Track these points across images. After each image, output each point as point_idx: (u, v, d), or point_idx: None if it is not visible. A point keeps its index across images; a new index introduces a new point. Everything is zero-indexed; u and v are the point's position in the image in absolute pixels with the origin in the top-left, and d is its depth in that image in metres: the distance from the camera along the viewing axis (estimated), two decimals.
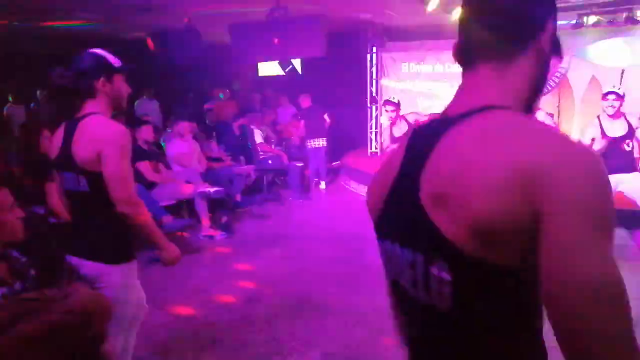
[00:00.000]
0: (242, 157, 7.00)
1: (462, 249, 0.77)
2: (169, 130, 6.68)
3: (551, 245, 0.70)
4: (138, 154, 5.33)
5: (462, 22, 0.99)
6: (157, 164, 5.63)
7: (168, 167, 5.85)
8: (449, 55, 9.45)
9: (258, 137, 7.23)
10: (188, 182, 5.56)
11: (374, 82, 9.94)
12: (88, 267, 2.04)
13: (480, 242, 0.76)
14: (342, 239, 5.35)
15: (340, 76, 9.88)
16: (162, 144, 6.39)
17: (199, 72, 9.04)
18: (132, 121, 6.33)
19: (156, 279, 4.29)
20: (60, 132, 2.07)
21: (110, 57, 2.07)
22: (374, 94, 9.98)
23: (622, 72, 7.48)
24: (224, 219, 5.71)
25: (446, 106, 1.00)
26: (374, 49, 9.81)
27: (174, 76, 8.99)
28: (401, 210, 0.92)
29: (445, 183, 0.81)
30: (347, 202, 7.23)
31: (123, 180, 1.94)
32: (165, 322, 3.48)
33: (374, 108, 10.03)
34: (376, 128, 10.03)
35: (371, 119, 10.05)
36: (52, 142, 2.14)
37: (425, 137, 0.93)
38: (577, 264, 0.68)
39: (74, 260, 2.08)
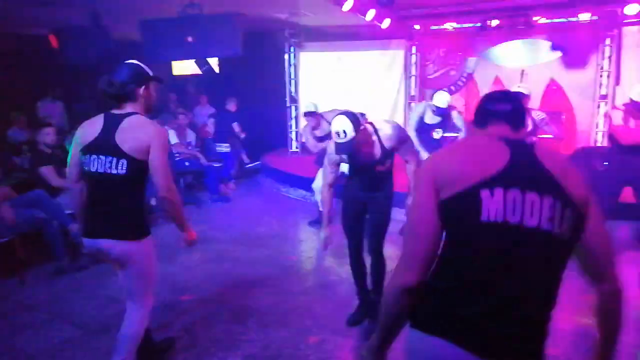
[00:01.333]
0: None
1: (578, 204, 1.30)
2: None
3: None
4: (40, 158, 4.96)
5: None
6: (62, 168, 5.27)
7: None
8: (365, 54, 9.75)
9: (173, 137, 6.99)
10: None
11: (293, 81, 9.98)
12: (119, 247, 2.40)
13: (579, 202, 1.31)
14: (262, 240, 5.31)
15: (259, 75, 9.80)
16: (68, 148, 5.99)
17: (109, 71, 8.59)
18: (34, 123, 5.88)
19: (62, 290, 4.02)
20: (98, 121, 2.41)
21: (146, 68, 2.50)
22: (293, 94, 10.01)
23: (522, 73, 8.05)
24: None
25: None
26: (292, 49, 9.84)
27: (79, 76, 8.47)
28: (530, 170, 1.32)
29: (558, 169, 1.32)
30: (266, 203, 7.19)
31: (166, 170, 2.36)
32: (73, 338, 3.26)
33: (293, 108, 10.05)
34: (296, 127, 10.07)
35: (291, 119, 10.07)
36: (86, 129, 2.43)
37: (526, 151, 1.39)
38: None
39: (103, 243, 2.39)
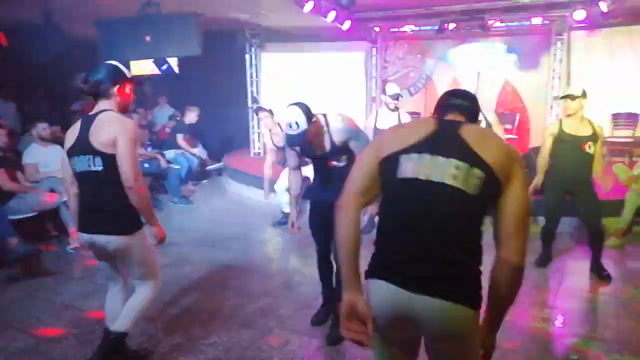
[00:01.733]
0: None
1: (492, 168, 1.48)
2: (28, 135, 6.06)
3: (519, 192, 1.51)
4: None
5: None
6: (15, 172, 5.08)
7: (30, 175, 5.29)
8: (327, 55, 9.79)
9: None
10: (52, 190, 5.08)
11: (255, 82, 9.93)
12: (114, 241, 2.55)
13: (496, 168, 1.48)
14: (225, 242, 5.26)
15: (219, 76, 9.71)
16: (21, 151, 5.77)
17: (63, 70, 8.32)
18: None
19: (17, 299, 3.87)
20: (77, 126, 2.57)
21: (123, 68, 2.64)
22: (254, 95, 9.96)
23: (478, 75, 8.29)
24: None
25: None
26: (253, 50, 9.79)
27: (32, 76, 8.18)
28: (448, 138, 1.56)
29: (478, 142, 1.54)
30: (228, 204, 7.13)
31: (132, 161, 2.44)
32: (31, 346, 3.15)
33: (254, 108, 10.01)
34: (258, 129, 10.02)
35: (253, 120, 10.02)
36: (69, 134, 2.60)
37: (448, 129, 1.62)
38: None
39: (98, 239, 2.55)
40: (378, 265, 1.58)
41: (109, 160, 2.46)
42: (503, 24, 8.36)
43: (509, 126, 8.65)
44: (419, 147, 1.56)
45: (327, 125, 3.00)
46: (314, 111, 2.97)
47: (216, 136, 9.01)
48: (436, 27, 8.43)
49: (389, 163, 1.59)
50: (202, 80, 9.39)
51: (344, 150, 3.03)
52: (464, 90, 1.86)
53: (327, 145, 3.01)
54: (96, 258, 2.77)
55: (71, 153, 2.56)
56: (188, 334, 3.27)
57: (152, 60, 7.77)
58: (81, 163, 2.52)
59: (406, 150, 1.57)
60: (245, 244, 5.28)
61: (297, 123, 2.81)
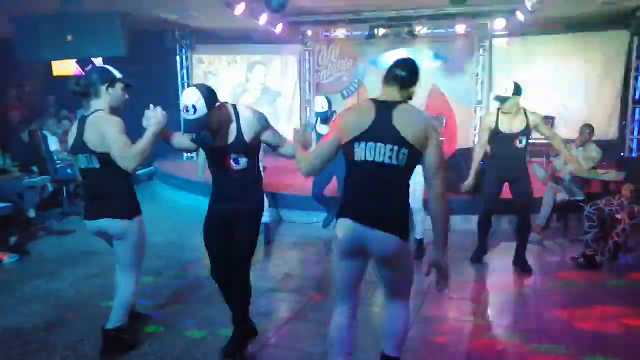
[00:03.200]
0: (34, 168, 6.16)
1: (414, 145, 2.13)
2: None
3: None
4: None
5: None
6: None
7: None
8: (259, 58, 9.71)
9: (54, 144, 6.47)
10: None
11: (186, 84, 9.71)
12: (115, 226, 2.81)
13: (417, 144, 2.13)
14: (157, 249, 5.08)
15: (149, 77, 9.36)
16: None
17: None
18: None
19: None
20: (75, 126, 2.84)
21: (114, 71, 2.87)
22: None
23: None
24: (14, 239, 4.98)
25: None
26: (184, 51, 9.57)
27: None
28: (384, 128, 2.15)
29: (404, 127, 2.14)
30: (161, 210, 6.91)
31: (124, 154, 2.63)
32: None
33: None
34: None
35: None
36: (70, 135, 2.87)
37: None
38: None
39: (103, 223, 2.82)
40: (344, 209, 2.29)
41: (104, 158, 2.69)
42: (430, 31, 8.70)
43: (437, 128, 8.98)
44: (366, 137, 2.18)
45: (237, 116, 2.68)
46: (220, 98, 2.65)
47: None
48: (366, 33, 8.63)
49: (348, 148, 2.24)
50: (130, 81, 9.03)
51: (248, 148, 2.71)
52: (406, 60, 2.34)
53: (232, 137, 2.66)
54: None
55: (73, 152, 2.85)
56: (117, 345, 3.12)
57: (76, 60, 7.40)
58: (82, 161, 2.78)
59: (358, 140, 2.19)
60: (178, 250, 5.14)
61: (194, 107, 2.46)
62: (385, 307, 2.50)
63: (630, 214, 4.36)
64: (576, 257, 4.54)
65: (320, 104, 5.44)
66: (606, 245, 4.45)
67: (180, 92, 9.66)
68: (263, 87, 10.01)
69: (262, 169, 4.68)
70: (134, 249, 2.93)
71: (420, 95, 9.31)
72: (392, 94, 2.25)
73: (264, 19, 7.52)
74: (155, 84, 9.35)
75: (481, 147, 4.51)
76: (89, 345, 3.12)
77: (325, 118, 5.43)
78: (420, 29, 8.56)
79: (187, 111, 2.49)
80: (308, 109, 9.66)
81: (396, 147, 2.13)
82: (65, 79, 9.62)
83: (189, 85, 9.70)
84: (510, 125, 4.33)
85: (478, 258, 4.65)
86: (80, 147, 2.75)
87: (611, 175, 5.27)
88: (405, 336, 2.48)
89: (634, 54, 8.12)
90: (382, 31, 8.56)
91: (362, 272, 2.37)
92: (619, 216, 4.42)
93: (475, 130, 9.03)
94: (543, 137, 4.63)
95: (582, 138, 5.61)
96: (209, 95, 2.53)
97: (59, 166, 6.52)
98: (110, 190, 2.80)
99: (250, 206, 2.79)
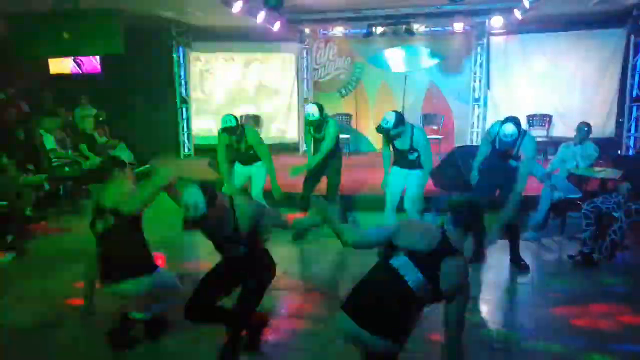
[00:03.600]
0: (30, 166, 6.14)
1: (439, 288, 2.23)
2: None
3: None
4: None
5: None
6: None
7: None
8: (257, 56, 9.71)
9: (50, 142, 6.45)
10: None
11: (183, 82, 9.69)
12: (143, 283, 2.94)
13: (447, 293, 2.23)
14: (155, 249, 5.07)
15: (146, 75, 9.36)
16: None
17: None
18: None
19: None
20: None
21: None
22: (183, 95, 9.72)
23: (406, 78, 8.55)
24: (11, 238, 4.97)
25: None
26: (181, 49, 9.55)
27: None
28: (432, 263, 2.23)
29: (446, 276, 2.22)
30: (156, 209, 6.87)
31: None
32: None
33: (184, 109, 9.77)
34: (188, 129, 9.78)
35: (183, 120, 9.77)
36: None
37: None
38: None
39: (128, 285, 2.91)
40: (350, 303, 2.29)
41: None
42: (427, 29, 8.70)
43: (435, 127, 9.01)
44: (413, 254, 2.22)
45: (233, 210, 2.75)
46: (214, 193, 2.68)
47: (143, 138, 8.67)
48: (364, 31, 8.62)
49: (390, 249, 2.28)
50: (127, 80, 9.01)
51: (245, 239, 2.78)
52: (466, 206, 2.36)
53: (229, 230, 2.74)
54: None
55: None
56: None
57: (73, 58, 7.39)
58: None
59: (405, 251, 2.24)
60: (174, 250, 5.12)
61: (196, 205, 2.55)
62: None
63: (627, 211, 4.36)
64: (573, 255, 4.55)
65: (312, 112, 5.21)
66: (603, 243, 4.46)
67: (177, 89, 9.64)
68: (260, 85, 9.99)
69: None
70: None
71: (418, 94, 9.40)
72: (457, 237, 2.28)
73: (261, 16, 7.50)
74: (151, 81, 9.36)
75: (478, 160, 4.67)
76: (85, 344, 3.12)
77: (318, 126, 5.18)
78: (418, 27, 8.55)
79: (188, 210, 2.57)
80: (306, 107, 9.65)
81: (427, 283, 2.19)
82: (62, 76, 9.62)
83: (185, 83, 9.68)
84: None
85: (475, 259, 4.59)
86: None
87: (608, 173, 5.28)
88: None
89: (631, 52, 8.12)
90: (380, 29, 8.55)
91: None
92: (616, 214, 4.42)
93: (473, 128, 9.04)
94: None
95: (580, 136, 5.62)
96: (210, 194, 2.61)
97: (55, 164, 6.50)
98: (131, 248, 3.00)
99: (259, 277, 2.87)
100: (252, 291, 2.85)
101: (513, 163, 4.38)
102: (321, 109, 5.15)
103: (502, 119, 4.39)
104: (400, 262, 2.22)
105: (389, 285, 2.22)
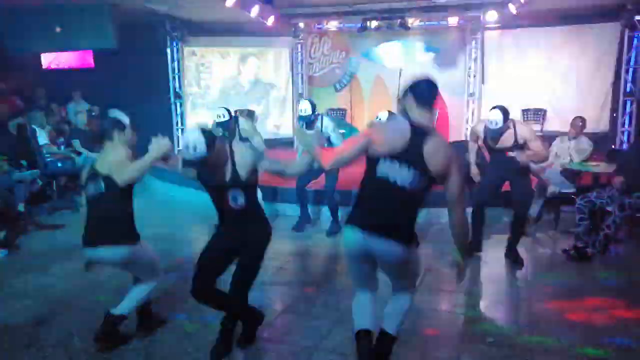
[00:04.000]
0: (23, 162, 6.09)
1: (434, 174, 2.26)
2: None
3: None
4: None
5: None
6: None
7: None
8: (251, 50, 9.64)
9: (43, 137, 6.40)
10: None
11: (177, 77, 9.63)
12: (120, 251, 2.89)
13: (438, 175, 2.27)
14: (150, 243, 5.04)
15: (139, 70, 9.29)
16: None
17: None
18: None
19: None
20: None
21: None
22: (177, 89, 9.66)
23: (400, 72, 8.52)
24: (3, 234, 4.94)
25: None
26: (175, 43, 9.49)
27: None
28: (413, 154, 2.24)
29: (431, 157, 2.24)
30: (153, 203, 6.88)
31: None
32: None
33: (178, 104, 9.71)
34: (182, 124, 9.73)
35: (176, 116, 9.72)
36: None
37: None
38: None
39: (106, 251, 2.89)
40: (354, 219, 2.39)
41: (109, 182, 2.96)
42: (422, 23, 8.68)
43: None
44: (394, 158, 2.26)
45: (232, 153, 2.75)
46: (217, 133, 2.76)
47: (136, 133, 8.61)
48: (359, 25, 8.59)
49: (372, 161, 2.32)
50: (120, 74, 8.94)
51: (244, 185, 2.75)
52: (432, 82, 2.49)
53: (228, 175, 2.74)
54: None
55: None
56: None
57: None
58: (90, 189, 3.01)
59: (385, 157, 2.28)
60: (169, 244, 5.11)
61: (194, 147, 2.58)
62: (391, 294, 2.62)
63: (620, 206, 4.38)
64: (567, 249, 4.57)
65: (304, 108, 5.29)
66: (597, 237, 4.48)
67: (171, 84, 9.59)
68: (255, 79, 9.95)
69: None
70: (149, 265, 3.13)
71: None
72: (425, 116, 2.36)
73: (255, 10, 7.46)
74: (145, 76, 9.29)
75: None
76: (78, 340, 3.10)
77: (309, 122, 5.30)
78: (413, 21, 8.53)
79: (187, 149, 2.59)
80: (300, 102, 9.62)
81: (418, 174, 2.25)
82: (54, 71, 9.54)
83: (179, 78, 9.62)
84: (500, 140, 4.34)
85: (470, 251, 4.62)
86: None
87: (602, 167, 5.30)
88: (404, 317, 2.58)
89: (625, 46, 8.14)
90: (374, 23, 8.52)
91: (373, 270, 2.51)
92: (609, 208, 4.45)
93: (467, 122, 9.04)
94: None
95: (574, 130, 5.63)
96: (209, 137, 2.63)
97: (48, 160, 6.46)
98: (114, 215, 2.92)
99: (255, 238, 2.86)
100: (247, 267, 2.86)
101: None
102: (313, 105, 5.24)
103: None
104: (385, 169, 2.27)
105: (384, 192, 2.28)
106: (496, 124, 4.18)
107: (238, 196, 2.75)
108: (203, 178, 2.82)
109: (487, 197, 4.54)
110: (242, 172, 2.73)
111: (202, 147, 2.58)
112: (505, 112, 4.19)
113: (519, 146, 4.26)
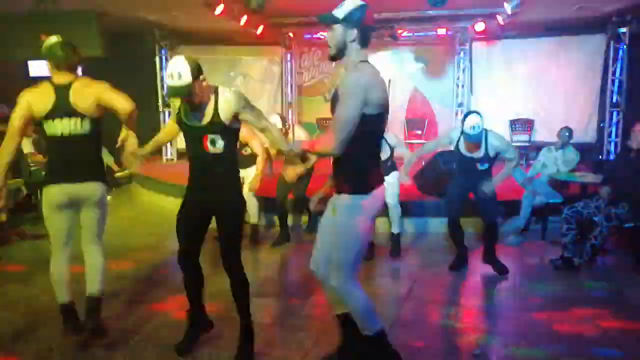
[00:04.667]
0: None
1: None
2: None
3: None
4: None
5: None
6: None
7: None
8: (240, 59, 9.62)
9: (28, 145, 6.31)
10: None
11: (165, 85, 9.59)
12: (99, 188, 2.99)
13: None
14: (133, 253, 5.00)
15: (127, 78, 9.21)
16: None
17: None
18: None
19: None
20: None
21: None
22: (166, 98, 9.62)
23: (389, 82, 8.54)
24: None
25: None
26: (163, 52, 9.46)
27: None
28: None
29: None
30: (139, 213, 6.80)
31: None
32: None
33: (167, 112, 9.67)
34: None
35: (164, 124, 9.65)
36: None
37: None
38: None
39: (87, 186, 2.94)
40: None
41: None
42: (411, 34, 8.73)
43: (418, 132, 9.03)
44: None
45: (216, 95, 2.66)
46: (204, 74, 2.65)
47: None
48: None
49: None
50: (108, 83, 8.88)
51: (225, 129, 2.64)
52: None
53: (208, 116, 2.63)
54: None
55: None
56: (90, 354, 3.03)
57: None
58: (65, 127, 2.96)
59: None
60: (155, 254, 5.04)
61: (179, 73, 2.51)
62: None
63: (607, 216, 4.39)
64: (554, 259, 4.57)
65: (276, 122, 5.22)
66: (584, 247, 4.48)
67: (159, 93, 9.55)
68: (244, 88, 9.94)
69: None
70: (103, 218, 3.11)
71: (401, 98, 9.42)
72: None
73: (244, 19, 7.46)
74: (133, 84, 9.21)
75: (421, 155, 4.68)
76: (58, 354, 3.02)
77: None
78: (401, 32, 8.58)
79: (172, 77, 2.53)
80: (290, 111, 9.61)
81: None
82: (41, 79, 9.44)
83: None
84: (471, 150, 4.30)
85: (458, 266, 4.56)
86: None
87: (589, 177, 5.32)
88: None
89: (611, 57, 8.24)
90: None
91: None
92: (596, 218, 4.46)
93: None
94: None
95: (561, 140, 5.66)
96: (195, 66, 2.57)
97: (32, 169, 6.37)
98: (89, 158, 3.02)
99: (229, 197, 2.76)
100: (234, 218, 2.78)
101: (484, 166, 4.31)
102: (284, 119, 5.35)
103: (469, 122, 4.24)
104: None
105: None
106: (477, 127, 4.13)
107: (217, 140, 2.65)
108: (185, 117, 2.71)
109: (460, 209, 4.50)
110: (224, 116, 2.63)
111: (187, 75, 2.52)
112: (481, 117, 4.18)
113: (489, 158, 4.27)
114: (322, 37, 9.29)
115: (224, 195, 2.74)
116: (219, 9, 6.60)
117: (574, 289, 4.12)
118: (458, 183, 4.45)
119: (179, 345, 2.96)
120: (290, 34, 9.29)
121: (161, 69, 9.50)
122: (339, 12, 2.32)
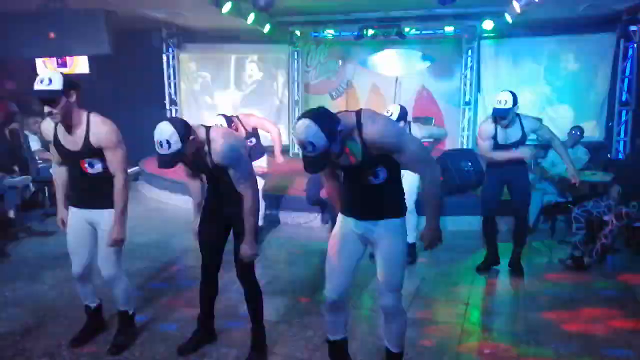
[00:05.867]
0: (15, 167, 6.03)
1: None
2: None
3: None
4: None
5: None
6: None
7: None
8: (247, 58, 9.60)
9: (35, 143, 6.34)
10: None
11: (172, 83, 9.61)
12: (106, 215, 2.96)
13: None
14: (140, 251, 5.00)
15: (135, 76, 9.25)
16: None
17: None
18: None
19: None
20: None
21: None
22: (173, 96, 9.63)
23: (397, 80, 8.53)
24: None
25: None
26: (171, 50, 9.47)
27: None
28: None
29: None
30: (146, 211, 6.82)
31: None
32: None
33: (174, 110, 9.68)
34: None
35: None
36: None
37: None
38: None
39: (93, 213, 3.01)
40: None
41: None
42: (418, 32, 8.69)
43: None
44: None
45: (208, 144, 2.60)
46: (193, 125, 2.60)
47: (131, 139, 8.55)
48: (355, 33, 8.59)
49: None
50: (115, 81, 8.91)
51: (223, 171, 2.66)
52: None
53: (209, 165, 2.66)
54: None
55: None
56: (97, 353, 3.03)
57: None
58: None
59: None
60: (161, 252, 5.05)
61: (168, 142, 2.41)
62: None
63: (617, 215, 4.35)
64: (564, 259, 4.53)
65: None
66: (594, 246, 4.45)
67: (166, 90, 9.56)
68: (251, 87, 9.93)
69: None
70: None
71: (408, 96, 9.37)
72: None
73: (251, 18, 7.45)
74: (141, 82, 9.27)
75: (485, 154, 4.37)
76: (67, 350, 3.03)
77: None
78: (409, 30, 8.54)
79: (161, 146, 2.43)
80: (297, 109, 9.60)
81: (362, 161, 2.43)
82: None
83: (175, 85, 9.60)
84: (506, 136, 4.22)
85: (487, 267, 4.47)
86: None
87: (598, 176, 5.28)
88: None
89: (620, 56, 8.16)
90: (370, 32, 8.52)
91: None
92: (606, 218, 4.42)
93: (463, 131, 9.03)
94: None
95: (572, 139, 5.62)
96: (183, 129, 2.45)
97: (40, 166, 6.39)
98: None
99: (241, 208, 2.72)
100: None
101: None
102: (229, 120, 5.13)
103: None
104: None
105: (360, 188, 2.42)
106: (505, 102, 4.07)
107: (220, 183, 2.73)
108: (187, 166, 2.86)
109: (495, 206, 4.40)
110: (221, 163, 2.61)
111: (176, 142, 2.42)
112: (514, 96, 4.09)
113: (525, 140, 4.20)
114: (328, 35, 9.27)
115: (240, 207, 2.70)
116: (227, 7, 6.59)
117: (584, 289, 4.09)
118: (492, 179, 4.34)
119: (182, 346, 3.01)
120: (297, 32, 9.27)
121: (168, 66, 9.51)
122: None
